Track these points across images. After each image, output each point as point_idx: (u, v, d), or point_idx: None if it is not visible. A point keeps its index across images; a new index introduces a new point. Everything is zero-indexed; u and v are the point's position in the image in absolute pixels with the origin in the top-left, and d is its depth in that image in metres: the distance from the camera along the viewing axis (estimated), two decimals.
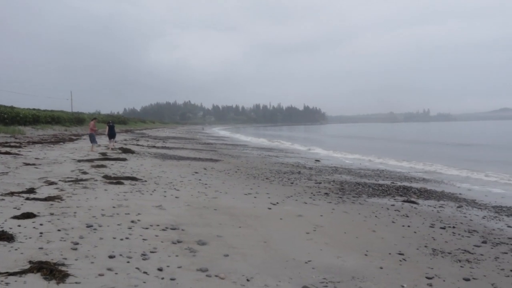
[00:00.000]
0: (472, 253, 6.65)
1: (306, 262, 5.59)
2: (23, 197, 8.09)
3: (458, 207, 10.76)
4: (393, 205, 10.51)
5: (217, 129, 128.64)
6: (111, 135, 25.22)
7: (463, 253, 6.65)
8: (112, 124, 26.29)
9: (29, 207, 7.22)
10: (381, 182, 15.07)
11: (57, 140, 28.32)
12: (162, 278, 4.54)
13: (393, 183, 14.94)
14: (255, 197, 10.42)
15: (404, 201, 11.17)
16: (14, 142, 24.12)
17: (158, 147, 28.78)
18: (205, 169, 16.25)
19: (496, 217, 9.73)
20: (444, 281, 5.30)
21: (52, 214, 6.87)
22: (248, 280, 4.77)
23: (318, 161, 24.63)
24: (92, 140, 21.66)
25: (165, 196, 9.52)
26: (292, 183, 13.61)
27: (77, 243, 5.42)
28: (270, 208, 9.11)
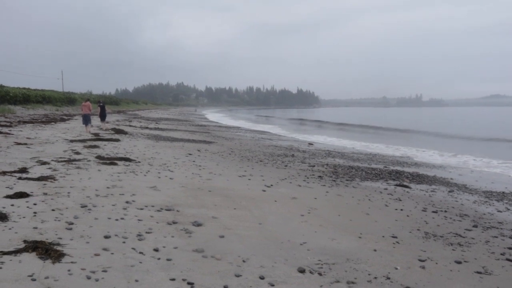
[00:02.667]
0: (464, 237, 6.74)
1: (301, 244, 5.62)
2: (15, 176, 8.02)
3: (449, 191, 10.86)
4: (386, 189, 10.59)
5: (210, 111, 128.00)
6: (103, 115, 25.07)
7: (455, 236, 6.73)
8: (103, 104, 26.07)
9: (22, 186, 7.16)
10: (374, 166, 15.15)
11: (49, 120, 28.05)
12: (159, 259, 4.54)
13: (385, 167, 15.02)
14: (249, 179, 10.43)
15: (396, 185, 11.25)
16: (4, 121, 23.85)
17: (151, 128, 28.64)
18: (198, 150, 16.22)
19: (486, 201, 9.84)
20: (436, 263, 5.37)
21: (45, 194, 6.83)
22: (244, 261, 4.79)
23: (312, 144, 24.67)
24: (88, 121, 21.16)
25: (159, 177, 9.50)
26: (286, 165, 13.64)
27: (71, 223, 5.39)
28: (264, 190, 9.14)
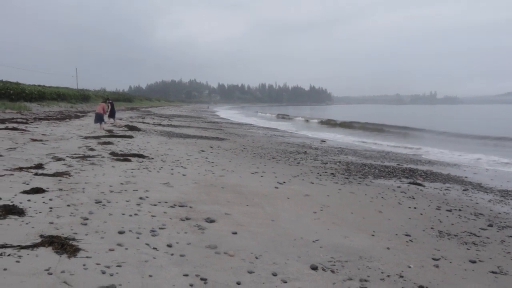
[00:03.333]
0: (478, 236, 6.67)
1: (313, 241, 5.62)
2: (31, 172, 8.14)
3: (464, 190, 10.75)
4: (399, 186, 10.52)
5: (222, 108, 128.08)
6: (112, 113, 25.34)
7: (469, 235, 6.67)
8: (111, 102, 26.28)
9: (38, 182, 7.27)
10: (387, 163, 15.05)
11: (63, 117, 28.38)
12: (172, 254, 4.58)
13: (399, 165, 14.91)
14: (262, 176, 10.44)
15: (410, 183, 11.17)
16: (21, 118, 24.18)
17: (164, 125, 28.80)
18: (211, 147, 16.27)
19: (502, 201, 9.72)
20: (450, 262, 5.33)
21: (61, 189, 6.92)
22: (256, 257, 4.81)
23: (324, 141, 24.61)
24: (100, 119, 21.11)
25: (172, 174, 9.56)
26: (298, 163, 13.62)
27: (86, 219, 5.46)
28: (277, 187, 9.14)
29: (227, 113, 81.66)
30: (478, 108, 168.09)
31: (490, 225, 7.40)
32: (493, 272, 5.12)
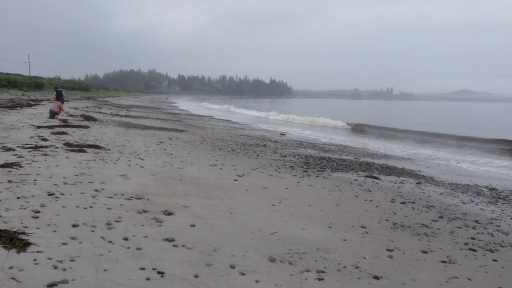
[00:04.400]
0: (430, 227, 6.91)
1: (272, 234, 5.65)
2: None
3: (417, 183, 11.12)
4: (356, 180, 10.75)
5: (182, 100, 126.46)
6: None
7: (422, 227, 6.90)
8: (60, 90, 25.29)
9: None
10: (344, 157, 15.35)
11: (14, 105, 27.16)
12: (128, 248, 4.48)
13: (356, 158, 15.24)
14: (221, 169, 10.39)
15: (366, 176, 11.43)
16: None
17: (121, 116, 28.14)
18: (170, 139, 16.04)
19: (452, 193, 10.12)
20: (403, 253, 5.50)
21: (10, 181, 6.61)
22: (215, 250, 4.78)
23: (283, 134, 24.80)
24: (54, 116, 20.14)
25: (129, 165, 9.35)
26: (257, 155, 13.65)
27: (38, 211, 5.25)
28: (236, 180, 9.12)
29: (187, 104, 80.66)
30: (432, 104, 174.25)
31: (441, 217, 7.69)
32: (442, 262, 5.33)
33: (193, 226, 5.56)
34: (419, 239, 6.22)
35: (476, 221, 7.65)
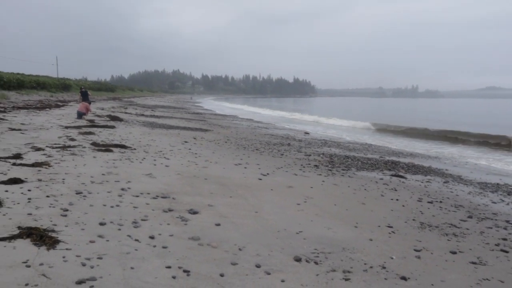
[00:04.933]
0: (459, 227, 6.75)
1: (297, 233, 5.61)
2: (9, 162, 7.95)
3: (444, 182, 10.89)
4: (381, 178, 10.59)
5: (206, 99, 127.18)
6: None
7: (450, 227, 6.75)
8: (85, 90, 25.66)
9: (16, 172, 7.09)
10: (369, 156, 15.16)
11: (43, 106, 27.82)
12: (154, 246, 4.52)
13: (381, 157, 15.03)
14: (245, 168, 10.40)
15: (392, 175, 11.26)
16: None
17: (146, 116, 28.50)
18: (194, 138, 16.16)
19: (481, 193, 9.87)
20: (431, 253, 5.38)
21: (40, 180, 6.77)
22: (240, 249, 4.78)
23: (308, 133, 24.67)
24: (81, 117, 20.58)
25: (155, 165, 9.45)
26: (282, 154, 13.61)
27: (66, 210, 5.35)
28: (260, 179, 9.11)
29: (211, 104, 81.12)
30: (458, 102, 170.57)
31: (470, 217, 7.51)
32: (472, 263, 5.19)
33: (218, 225, 5.57)
34: (448, 239, 6.08)
35: (507, 221, 7.43)
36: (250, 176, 9.32)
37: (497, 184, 11.20)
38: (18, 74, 53.89)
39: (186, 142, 14.65)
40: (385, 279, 4.45)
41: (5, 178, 6.56)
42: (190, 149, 12.87)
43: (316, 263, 4.65)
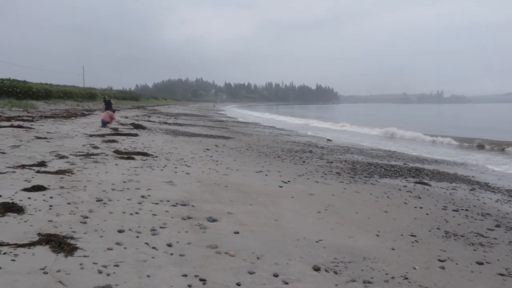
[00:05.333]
0: (486, 237, 6.52)
1: (317, 242, 5.51)
2: (34, 170, 8.09)
3: (471, 189, 10.58)
4: (405, 186, 10.37)
5: (229, 107, 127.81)
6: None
7: (476, 236, 6.53)
8: (108, 100, 26.04)
9: (39, 180, 7.21)
10: (393, 163, 14.89)
11: (69, 115, 28.42)
12: (171, 254, 4.50)
13: (405, 164, 14.75)
14: (266, 175, 10.34)
15: (416, 182, 11.01)
16: (27, 116, 24.24)
17: (169, 124, 28.78)
18: (216, 146, 16.19)
19: (509, 201, 9.55)
20: (457, 264, 5.20)
21: (62, 187, 6.86)
22: (258, 258, 4.71)
23: (330, 140, 24.46)
24: (105, 125, 20.92)
25: (176, 172, 9.48)
26: (303, 162, 13.50)
27: (86, 217, 5.39)
28: (281, 186, 9.04)
29: (234, 111, 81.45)
30: (486, 107, 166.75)
31: (498, 226, 7.25)
32: (501, 274, 4.99)
33: (237, 233, 5.52)
34: (474, 249, 5.87)
35: None
36: (271, 184, 9.25)
37: None
38: (46, 84, 55.32)
39: (207, 149, 14.69)
40: None
41: (28, 185, 6.67)
42: (211, 156, 12.89)
43: (335, 272, 4.54)
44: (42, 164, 8.78)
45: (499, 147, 22.95)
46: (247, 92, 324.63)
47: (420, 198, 9.08)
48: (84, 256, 4.13)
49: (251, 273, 4.26)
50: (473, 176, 12.96)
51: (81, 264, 3.92)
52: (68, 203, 5.94)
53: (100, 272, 3.83)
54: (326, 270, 4.57)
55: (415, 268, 4.91)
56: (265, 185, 9.07)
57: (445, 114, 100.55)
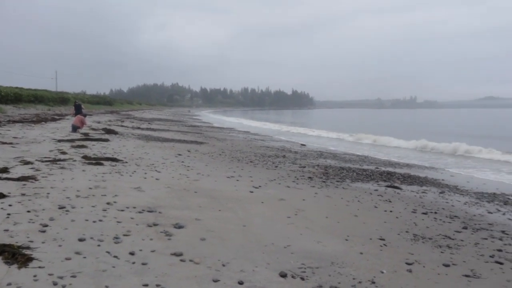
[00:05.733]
0: (453, 239, 6.59)
1: (285, 247, 5.44)
2: None
3: (440, 192, 10.73)
4: (376, 190, 10.44)
5: (204, 112, 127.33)
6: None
7: (444, 238, 6.58)
8: (78, 104, 25.55)
9: None
10: (365, 167, 15.01)
11: (39, 120, 27.68)
12: (133, 263, 4.34)
13: (377, 168, 14.88)
14: (237, 180, 10.25)
15: (387, 186, 11.11)
16: None
17: (142, 129, 28.38)
18: (188, 151, 16.01)
19: (477, 203, 9.71)
20: (424, 266, 5.21)
21: (23, 194, 6.60)
22: (224, 265, 4.60)
23: (304, 145, 24.55)
24: (76, 130, 20.42)
25: (145, 178, 9.29)
26: (276, 166, 13.46)
27: (46, 225, 5.17)
28: (252, 192, 8.95)
29: (208, 117, 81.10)
30: (458, 112, 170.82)
31: (465, 228, 7.34)
32: (466, 276, 5.02)
33: (203, 239, 5.40)
34: (441, 252, 5.91)
35: (503, 231, 7.27)
36: (242, 189, 9.16)
37: (494, 193, 11.06)
38: (16, 88, 53.80)
39: (179, 155, 14.49)
40: None
41: None
42: (183, 162, 12.71)
43: (302, 278, 4.48)
44: (4, 170, 8.45)
45: (469, 152, 23.36)
46: (223, 97, 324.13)
47: (390, 201, 9.14)
48: (39, 267, 3.93)
49: (215, 281, 4.15)
50: (443, 179, 13.17)
51: (35, 276, 3.74)
52: (28, 211, 5.70)
53: (55, 284, 3.65)
54: (292, 276, 4.50)
55: (382, 272, 4.89)
56: (235, 190, 8.97)
57: (418, 119, 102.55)
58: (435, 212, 8.37)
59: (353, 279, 4.60)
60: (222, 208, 7.25)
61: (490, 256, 5.83)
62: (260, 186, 9.62)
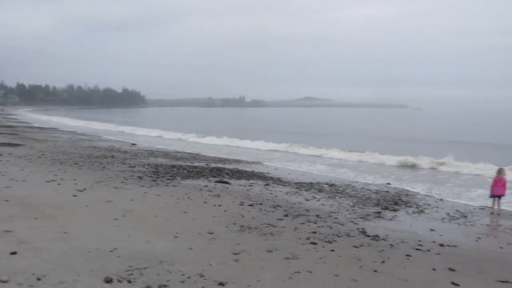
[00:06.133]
0: (275, 226, 7.10)
1: (111, 251, 5.16)
2: None
3: (265, 185, 11.50)
4: (206, 186, 10.67)
5: (22, 111, 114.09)
6: None
7: (268, 227, 7.05)
8: None
9: None
10: (196, 164, 15.25)
11: None
12: None
13: (207, 164, 15.26)
14: (59, 184, 9.39)
15: (217, 181, 11.46)
16: None
17: None
18: (1, 155, 14.09)
19: (297, 192, 10.69)
20: (249, 255, 5.50)
21: None
22: (39, 279, 4.14)
23: (134, 144, 23.84)
24: None
25: None
26: (104, 167, 12.75)
27: None
28: (75, 195, 8.30)
29: (26, 116, 72.90)
30: (280, 111, 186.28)
31: (286, 215, 7.99)
32: (286, 258, 5.46)
33: (14, 253, 4.78)
34: (265, 239, 6.31)
35: (317, 216, 8.12)
36: (64, 193, 8.43)
37: (311, 183, 12.31)
38: None
39: None
40: (203, 287, 4.34)
41: None
42: None
43: (129, 281, 4.30)
44: None
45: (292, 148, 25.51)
46: (44, 95, 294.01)
47: (219, 196, 9.44)
48: None
49: None
50: (268, 173, 14.15)
51: None
52: None
53: None
54: (119, 281, 4.29)
55: (211, 265, 4.99)
56: (56, 195, 8.22)
57: (245, 115, 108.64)
58: (260, 203, 8.92)
59: (182, 275, 4.60)
60: (40, 215, 6.56)
61: (307, 238, 6.46)
62: (85, 189, 8.99)
